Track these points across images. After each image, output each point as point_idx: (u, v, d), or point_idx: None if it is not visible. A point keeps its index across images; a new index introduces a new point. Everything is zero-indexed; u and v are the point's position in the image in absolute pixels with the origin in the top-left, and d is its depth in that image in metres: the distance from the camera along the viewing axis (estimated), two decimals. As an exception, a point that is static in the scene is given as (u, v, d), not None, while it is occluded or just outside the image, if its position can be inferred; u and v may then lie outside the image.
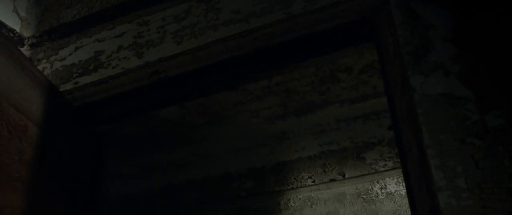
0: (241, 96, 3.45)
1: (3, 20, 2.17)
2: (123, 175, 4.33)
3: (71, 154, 1.90)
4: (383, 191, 3.76)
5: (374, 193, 3.77)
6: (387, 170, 3.79)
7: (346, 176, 3.93)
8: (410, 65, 1.33)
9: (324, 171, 4.02)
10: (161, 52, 1.83)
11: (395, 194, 3.71)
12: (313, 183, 3.99)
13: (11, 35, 2.16)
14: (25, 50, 2.20)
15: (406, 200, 3.66)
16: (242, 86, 3.31)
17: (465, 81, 1.26)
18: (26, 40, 2.21)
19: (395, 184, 3.75)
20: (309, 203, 3.93)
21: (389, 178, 3.78)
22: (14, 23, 2.23)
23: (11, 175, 1.48)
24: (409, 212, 3.59)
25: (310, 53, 1.67)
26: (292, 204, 3.98)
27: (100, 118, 2.03)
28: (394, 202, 3.68)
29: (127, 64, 1.88)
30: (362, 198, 3.80)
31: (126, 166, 4.18)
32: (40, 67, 2.10)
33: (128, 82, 1.90)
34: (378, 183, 3.80)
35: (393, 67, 1.45)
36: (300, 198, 3.98)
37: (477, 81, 1.25)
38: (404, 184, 3.69)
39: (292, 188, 4.02)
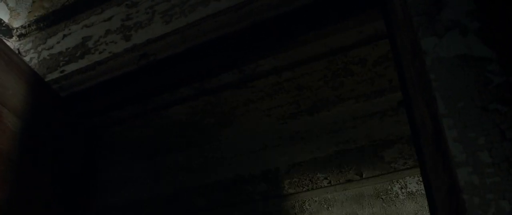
0: (250, 94, 3.30)
1: (-10, 11, 2.06)
2: (131, 179, 4.20)
3: (58, 148, 1.76)
4: (403, 190, 3.53)
5: (394, 193, 3.54)
6: (407, 169, 3.56)
7: (364, 176, 3.71)
8: (421, 26, 1.14)
9: (341, 171, 3.82)
10: (149, 34, 1.69)
11: (416, 193, 3.47)
12: (329, 184, 3.78)
13: (-2, 25, 2.05)
14: (13, 41, 2.09)
15: (428, 200, 3.42)
16: (251, 83, 3.16)
17: (486, 39, 1.07)
18: (15, 30, 2.10)
19: (416, 183, 3.51)
20: (325, 205, 3.72)
21: (410, 177, 3.55)
22: (2, 14, 2.12)
23: (-20, 165, 1.34)
24: (433, 213, 3.35)
25: (311, 26, 1.50)
26: (308, 207, 3.77)
27: (90, 109, 1.89)
28: (415, 202, 3.44)
29: (115, 48, 1.74)
30: (381, 198, 3.57)
31: (133, 170, 4.05)
32: (27, 58, 1.98)
33: (116, 68, 1.75)
34: (398, 182, 3.57)
35: (402, 33, 1.27)
36: (315, 200, 3.78)
37: (500, 38, 1.06)
38: (426, 183, 3.46)
39: (307, 190, 3.82)
